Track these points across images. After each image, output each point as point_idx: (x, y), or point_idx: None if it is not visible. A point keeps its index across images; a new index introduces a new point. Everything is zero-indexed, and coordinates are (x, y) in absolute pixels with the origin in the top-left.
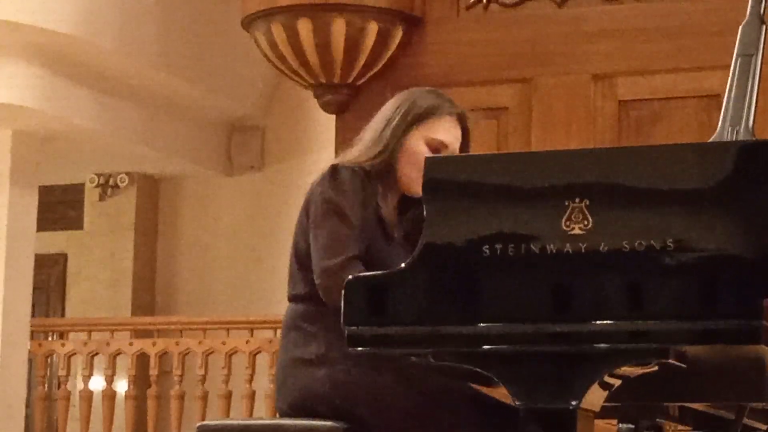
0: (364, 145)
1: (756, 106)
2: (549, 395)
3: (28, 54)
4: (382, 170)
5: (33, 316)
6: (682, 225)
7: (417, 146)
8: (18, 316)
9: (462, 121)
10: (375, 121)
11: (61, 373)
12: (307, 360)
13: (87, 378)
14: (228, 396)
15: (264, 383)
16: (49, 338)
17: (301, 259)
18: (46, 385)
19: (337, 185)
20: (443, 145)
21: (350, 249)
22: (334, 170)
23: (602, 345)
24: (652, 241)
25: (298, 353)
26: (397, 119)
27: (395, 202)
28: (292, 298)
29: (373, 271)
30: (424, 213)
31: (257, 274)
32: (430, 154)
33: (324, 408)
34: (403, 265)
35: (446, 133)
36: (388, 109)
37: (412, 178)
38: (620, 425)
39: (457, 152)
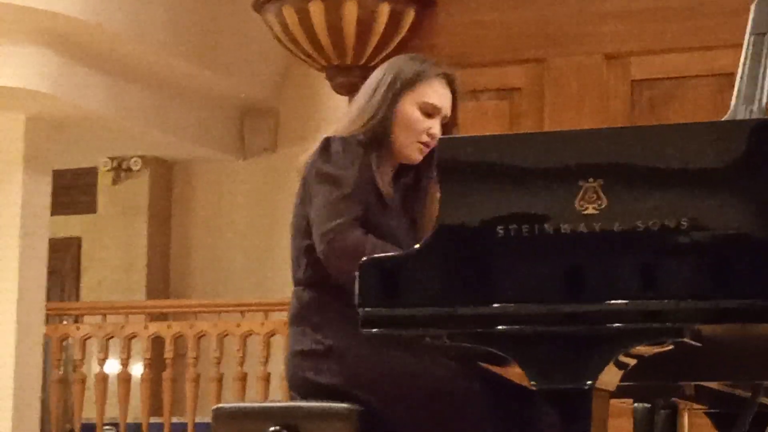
0: (353, 115)
1: None
2: (564, 376)
3: (41, 39)
4: (375, 138)
5: (48, 300)
6: (696, 204)
7: (410, 112)
8: (33, 300)
9: (451, 82)
10: (361, 92)
11: (77, 356)
12: (315, 352)
13: (102, 361)
14: (243, 378)
15: (279, 365)
16: (64, 322)
17: (300, 239)
18: (61, 369)
19: (329, 156)
20: (435, 109)
21: (347, 212)
22: (326, 142)
23: (617, 325)
24: (666, 221)
25: (306, 345)
26: (384, 87)
27: (390, 169)
28: (297, 282)
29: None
30: (438, 194)
31: (271, 256)
32: (423, 119)
33: (334, 398)
34: (417, 246)
35: (437, 96)
36: (373, 80)
37: (407, 144)
38: (636, 405)
39: (449, 114)
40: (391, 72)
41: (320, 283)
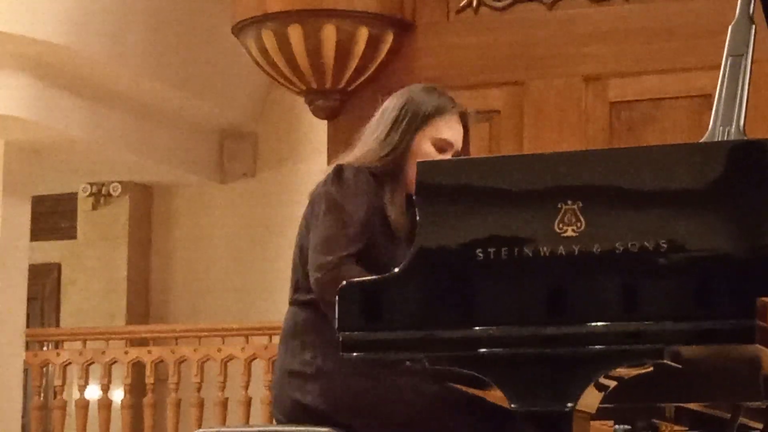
0: (370, 146)
1: (746, 106)
2: (545, 398)
3: (20, 64)
4: (389, 171)
5: (28, 326)
6: (675, 225)
7: (425, 147)
8: (13, 327)
9: (463, 118)
10: (379, 121)
11: (57, 382)
12: (303, 373)
13: (83, 387)
14: (224, 403)
15: (260, 389)
16: (45, 348)
17: (302, 266)
18: (41, 395)
19: (341, 184)
20: (449, 144)
21: (346, 247)
22: (339, 170)
23: (597, 347)
24: (645, 242)
25: (295, 365)
26: (405, 121)
27: (402, 202)
28: (294, 302)
29: (377, 270)
30: (417, 217)
31: (251, 280)
32: (437, 155)
33: (319, 421)
34: (396, 269)
35: (451, 132)
36: (393, 110)
37: None
38: (616, 426)
39: (460, 147)
40: (411, 106)
41: (317, 304)
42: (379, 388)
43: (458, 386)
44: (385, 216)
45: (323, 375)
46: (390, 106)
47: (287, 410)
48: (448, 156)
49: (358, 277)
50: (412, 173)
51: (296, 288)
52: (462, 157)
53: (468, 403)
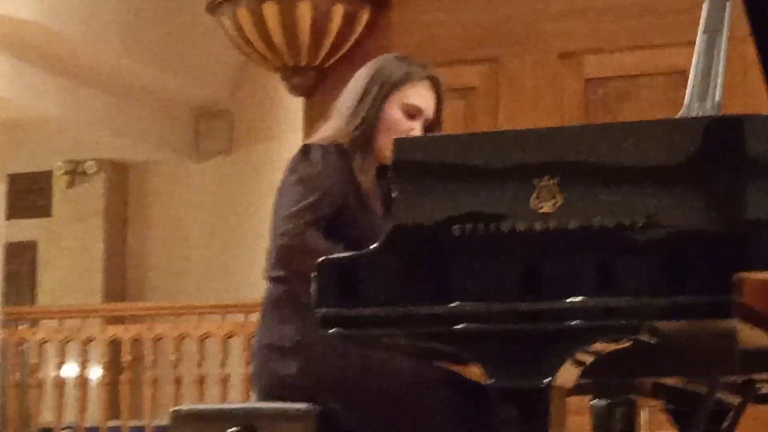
0: (341, 120)
1: (722, 82)
2: (522, 374)
3: None
4: (360, 142)
5: (4, 304)
6: (650, 201)
7: (395, 114)
8: None
9: (435, 85)
10: (348, 94)
11: (34, 360)
12: (281, 347)
13: (59, 365)
14: (201, 380)
15: (237, 367)
16: (21, 326)
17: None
18: (18, 373)
19: (307, 161)
20: (418, 111)
21: (310, 214)
22: (305, 149)
23: (574, 322)
24: (621, 218)
25: (274, 339)
26: (374, 91)
27: (373, 170)
28: (272, 279)
29: (350, 241)
30: (392, 193)
31: (227, 258)
32: (406, 121)
33: (298, 395)
34: (373, 246)
35: (421, 98)
36: (361, 81)
37: (388, 146)
38: (593, 401)
39: (431, 116)
40: (379, 76)
41: (294, 279)
42: (356, 363)
43: (437, 362)
44: (357, 186)
45: (302, 348)
46: (360, 76)
47: (266, 384)
48: (417, 123)
49: (323, 244)
50: (383, 141)
51: (273, 263)
52: (438, 134)
53: (446, 380)
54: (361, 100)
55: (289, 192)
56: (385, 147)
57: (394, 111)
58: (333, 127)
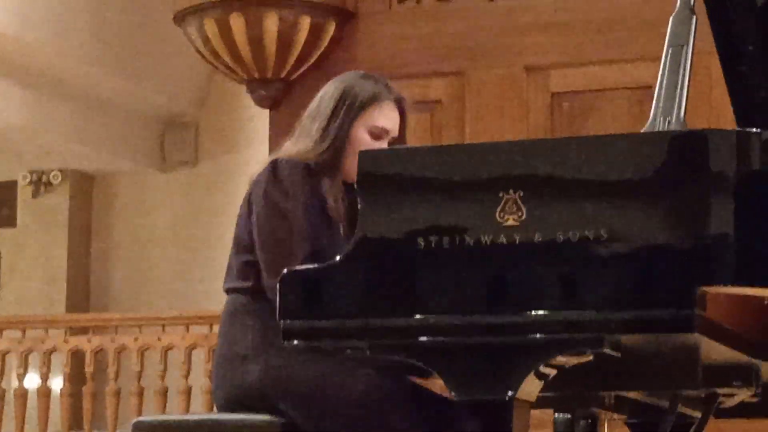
0: (310, 140)
1: (687, 97)
2: (485, 386)
3: None
4: (327, 163)
5: None
6: (615, 215)
7: (361, 136)
8: None
9: (400, 104)
10: (316, 113)
11: None
12: (243, 355)
13: (21, 376)
14: (164, 392)
15: (200, 379)
16: None
17: (242, 253)
18: None
19: (278, 182)
20: (384, 131)
21: (298, 251)
22: (275, 165)
23: (537, 335)
24: (585, 232)
25: (236, 348)
26: (342, 111)
27: (340, 189)
28: (233, 290)
29: (316, 256)
30: (359, 206)
31: (192, 269)
32: (373, 143)
33: (260, 404)
34: (338, 258)
35: (387, 119)
36: (329, 101)
37: (354, 166)
38: (556, 415)
39: (396, 134)
40: (348, 93)
41: (256, 291)
42: (318, 372)
43: (400, 375)
44: (323, 203)
45: (263, 357)
46: (327, 95)
47: (228, 393)
48: (384, 143)
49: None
50: (349, 162)
51: (235, 276)
52: (403, 146)
53: (409, 392)
54: (329, 123)
55: (267, 223)
56: (351, 168)
57: (360, 133)
58: (300, 146)
